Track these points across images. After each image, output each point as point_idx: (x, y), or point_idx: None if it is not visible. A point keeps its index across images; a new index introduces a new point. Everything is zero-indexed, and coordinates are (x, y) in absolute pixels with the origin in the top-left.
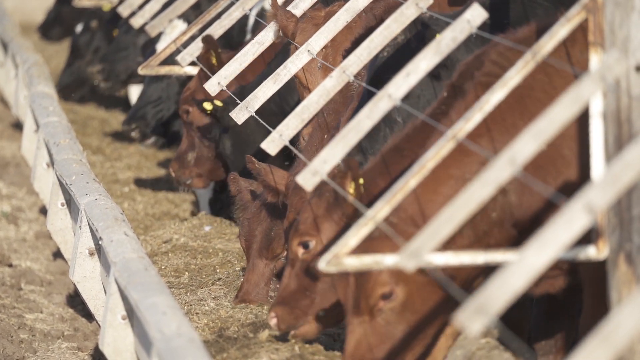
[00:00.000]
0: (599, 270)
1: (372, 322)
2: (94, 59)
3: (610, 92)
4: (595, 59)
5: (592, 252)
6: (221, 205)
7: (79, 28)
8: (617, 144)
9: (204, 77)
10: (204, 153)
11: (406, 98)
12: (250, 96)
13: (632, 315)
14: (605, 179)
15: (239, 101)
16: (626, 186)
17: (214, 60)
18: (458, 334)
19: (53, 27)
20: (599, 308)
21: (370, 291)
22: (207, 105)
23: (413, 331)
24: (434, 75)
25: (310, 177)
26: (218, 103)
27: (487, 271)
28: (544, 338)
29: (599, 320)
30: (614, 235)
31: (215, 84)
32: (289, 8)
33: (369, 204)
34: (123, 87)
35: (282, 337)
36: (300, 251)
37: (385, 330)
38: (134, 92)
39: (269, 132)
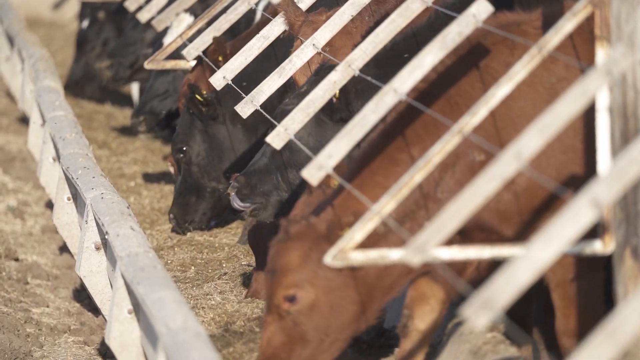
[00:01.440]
0: (564, 272)
1: (281, 322)
2: (103, 51)
3: (616, 87)
4: (601, 53)
5: (598, 247)
6: None
7: (85, 23)
8: (623, 139)
9: (206, 67)
10: None
11: None
12: (255, 90)
13: (638, 310)
14: (612, 174)
15: (244, 95)
16: (632, 181)
17: (221, 63)
18: (429, 339)
19: (85, 83)
20: (571, 309)
21: (273, 292)
22: (199, 97)
23: (324, 334)
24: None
25: (315, 171)
26: (208, 96)
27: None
28: (546, 332)
29: (573, 321)
30: (620, 230)
31: (220, 78)
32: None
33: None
34: (128, 82)
35: None
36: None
37: (294, 331)
38: (136, 88)
39: (246, 139)
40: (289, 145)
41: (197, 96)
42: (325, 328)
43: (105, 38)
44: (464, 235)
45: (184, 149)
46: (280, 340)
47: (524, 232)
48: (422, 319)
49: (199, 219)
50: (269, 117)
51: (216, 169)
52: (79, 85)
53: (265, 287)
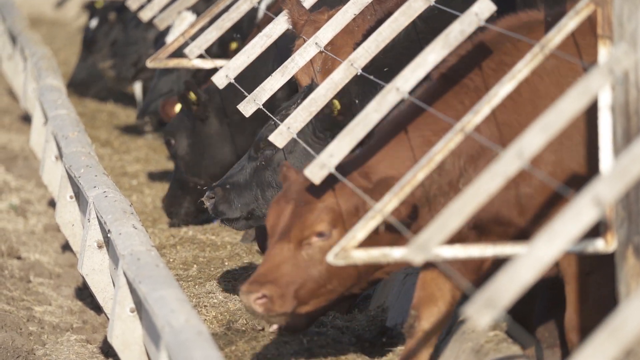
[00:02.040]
0: (581, 265)
1: (296, 252)
2: (110, 52)
3: (618, 85)
4: (603, 51)
5: (601, 245)
6: None
7: (93, 23)
8: (625, 137)
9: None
10: None
11: None
12: (257, 89)
13: None
14: (614, 172)
15: (246, 94)
16: (635, 179)
17: (192, 97)
18: (435, 341)
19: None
20: (583, 303)
21: (308, 222)
22: (192, 95)
23: (327, 280)
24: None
25: (317, 170)
26: (203, 95)
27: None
28: (549, 330)
29: (583, 315)
30: (623, 228)
31: (223, 77)
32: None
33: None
34: (132, 82)
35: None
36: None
37: (304, 265)
38: (138, 88)
39: (230, 139)
40: (272, 166)
41: (191, 94)
42: (332, 275)
43: (113, 39)
44: (481, 229)
45: (171, 141)
46: (287, 270)
47: (542, 225)
48: (429, 321)
49: (185, 212)
50: (271, 116)
51: (198, 165)
52: (84, 84)
53: (289, 214)
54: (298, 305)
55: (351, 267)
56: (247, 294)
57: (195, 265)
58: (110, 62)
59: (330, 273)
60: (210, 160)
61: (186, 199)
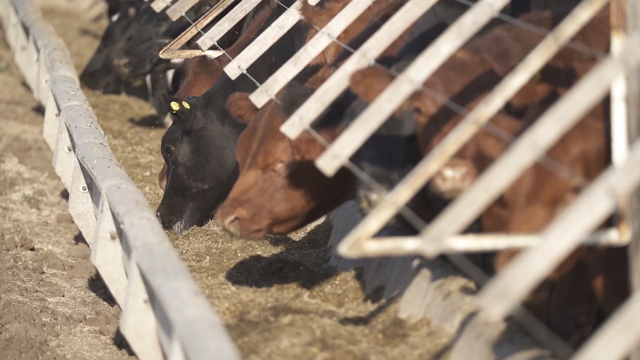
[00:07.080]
0: None
1: (263, 177)
2: (124, 47)
3: (632, 76)
4: (617, 42)
5: (614, 237)
6: None
7: (115, 17)
8: (639, 128)
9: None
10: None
11: None
12: (269, 79)
13: None
14: (628, 163)
15: (258, 84)
16: None
17: (176, 108)
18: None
19: (102, 76)
20: None
21: (274, 151)
22: (175, 105)
23: (293, 202)
24: None
25: (330, 160)
26: (186, 105)
27: None
28: (565, 322)
29: None
30: (636, 220)
31: (235, 68)
32: None
33: None
34: (147, 74)
35: (304, 322)
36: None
37: (271, 189)
38: (148, 78)
39: (233, 139)
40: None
41: (174, 104)
42: (294, 198)
43: (131, 34)
44: None
45: (172, 149)
46: (256, 193)
47: None
48: None
49: (187, 220)
50: (282, 105)
51: (203, 169)
52: (95, 76)
53: (255, 146)
54: (273, 224)
55: (306, 194)
56: (221, 217)
57: (208, 257)
58: (125, 59)
59: (291, 197)
60: (215, 163)
61: (188, 206)
